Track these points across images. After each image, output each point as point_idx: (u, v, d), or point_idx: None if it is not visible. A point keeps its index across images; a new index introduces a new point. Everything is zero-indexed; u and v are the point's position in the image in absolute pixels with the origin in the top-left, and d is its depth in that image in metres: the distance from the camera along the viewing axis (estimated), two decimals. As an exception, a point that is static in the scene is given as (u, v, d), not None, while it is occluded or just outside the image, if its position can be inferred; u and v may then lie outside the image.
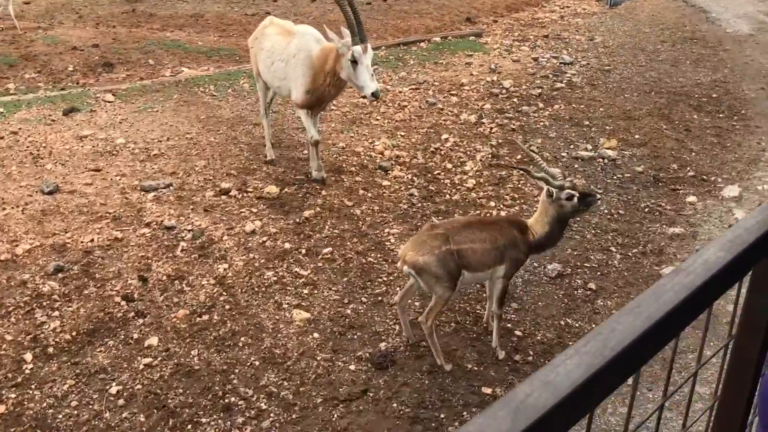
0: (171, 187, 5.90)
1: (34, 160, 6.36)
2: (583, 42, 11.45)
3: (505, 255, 3.79)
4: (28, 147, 6.63)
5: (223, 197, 5.83)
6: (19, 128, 7.03)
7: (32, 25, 12.09)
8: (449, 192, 6.15)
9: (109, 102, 7.93)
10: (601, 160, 6.90)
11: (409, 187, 6.20)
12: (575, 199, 3.76)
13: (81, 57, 10.24)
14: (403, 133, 7.42)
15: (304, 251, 5.13)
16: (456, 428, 3.53)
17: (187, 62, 10.35)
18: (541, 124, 7.77)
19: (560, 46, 11.12)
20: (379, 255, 5.14)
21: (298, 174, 6.35)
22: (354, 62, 5.11)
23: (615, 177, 6.57)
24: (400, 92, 8.94)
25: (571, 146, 7.23)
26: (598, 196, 5.49)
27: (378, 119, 7.90)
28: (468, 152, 6.95)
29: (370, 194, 6.03)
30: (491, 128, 7.60)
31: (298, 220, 5.55)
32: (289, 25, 6.13)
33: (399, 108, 8.31)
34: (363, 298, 4.65)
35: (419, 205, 5.91)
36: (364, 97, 5.46)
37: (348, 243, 5.27)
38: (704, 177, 6.60)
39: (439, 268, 3.64)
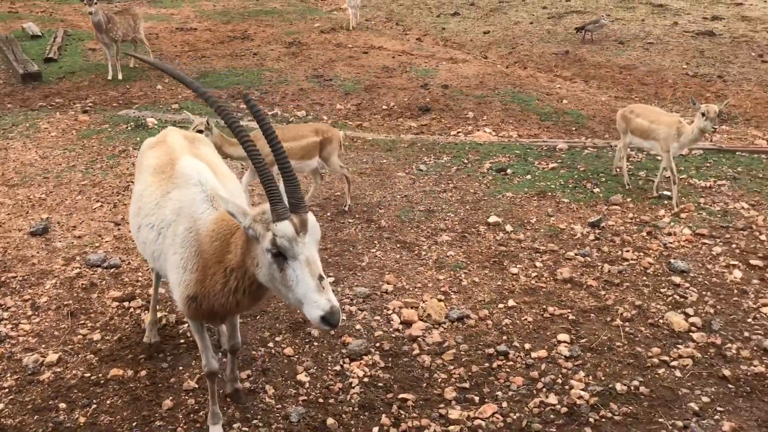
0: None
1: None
2: None
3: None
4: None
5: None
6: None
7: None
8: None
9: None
10: None
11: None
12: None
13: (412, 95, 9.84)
14: (509, 303, 4.41)
15: None
16: None
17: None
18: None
19: None
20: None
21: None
22: (278, 255, 2.40)
23: None
24: (669, 233, 5.37)
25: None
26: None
27: (537, 270, 4.92)
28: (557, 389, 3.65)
29: None
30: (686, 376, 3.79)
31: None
32: (178, 148, 3.33)
33: (606, 255, 5.01)
34: None
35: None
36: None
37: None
38: None
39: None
